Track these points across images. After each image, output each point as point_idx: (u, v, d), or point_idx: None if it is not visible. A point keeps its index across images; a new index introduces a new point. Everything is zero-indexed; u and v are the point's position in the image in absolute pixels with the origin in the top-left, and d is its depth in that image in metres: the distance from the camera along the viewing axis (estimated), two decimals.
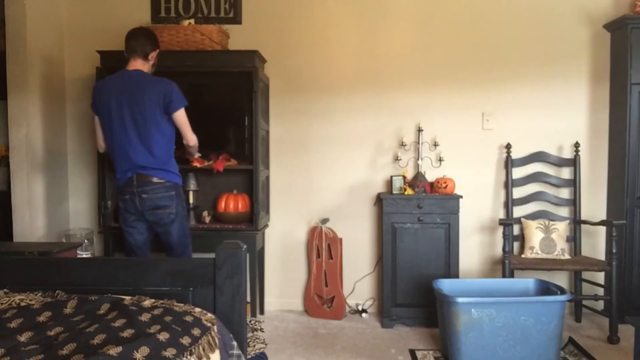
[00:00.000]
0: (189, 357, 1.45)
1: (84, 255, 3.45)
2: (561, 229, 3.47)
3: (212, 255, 1.77)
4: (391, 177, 3.59)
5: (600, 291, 3.51)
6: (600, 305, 3.60)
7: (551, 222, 3.49)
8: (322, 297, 3.72)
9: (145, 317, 1.54)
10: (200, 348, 1.50)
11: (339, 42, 3.79)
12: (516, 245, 3.64)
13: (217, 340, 1.59)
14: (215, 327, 1.62)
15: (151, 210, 2.85)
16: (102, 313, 1.60)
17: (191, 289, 1.79)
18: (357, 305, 3.81)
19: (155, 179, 2.83)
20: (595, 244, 3.72)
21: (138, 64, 2.89)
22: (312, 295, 3.75)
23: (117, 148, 2.86)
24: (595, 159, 3.73)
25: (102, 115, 2.89)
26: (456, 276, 3.44)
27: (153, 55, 2.95)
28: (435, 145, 3.69)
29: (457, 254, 3.46)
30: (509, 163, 3.67)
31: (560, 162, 3.69)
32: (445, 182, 3.52)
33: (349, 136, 3.81)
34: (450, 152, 3.72)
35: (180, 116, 2.85)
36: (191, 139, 2.94)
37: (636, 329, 2.19)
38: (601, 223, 3.43)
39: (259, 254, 3.66)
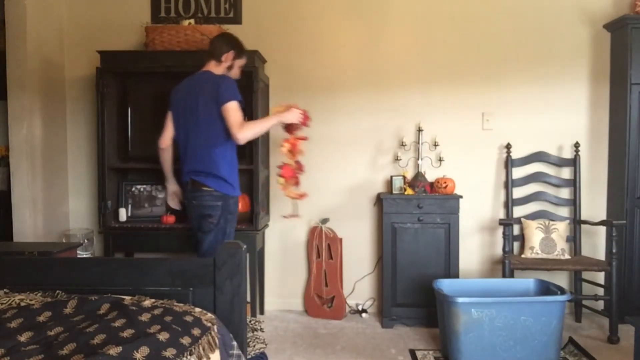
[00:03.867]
0: (189, 357, 1.45)
1: (84, 255, 3.45)
2: (561, 229, 3.47)
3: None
4: (391, 177, 3.59)
5: (600, 291, 3.51)
6: (600, 305, 3.60)
7: (551, 222, 3.49)
8: (322, 297, 3.72)
9: (145, 317, 1.54)
10: (200, 348, 1.50)
11: (339, 42, 3.79)
12: (516, 245, 3.64)
13: (217, 340, 1.59)
14: (215, 327, 1.62)
15: (197, 218, 2.87)
16: (102, 313, 1.60)
17: (191, 289, 1.79)
18: (357, 305, 3.81)
19: (204, 187, 2.79)
20: (595, 244, 3.72)
21: (210, 65, 2.91)
22: (312, 295, 3.75)
23: (180, 150, 2.93)
24: (595, 159, 3.73)
25: (172, 116, 2.96)
26: (456, 276, 3.44)
27: (228, 57, 2.90)
28: (435, 145, 3.69)
29: (457, 254, 3.46)
30: (509, 163, 3.67)
31: (560, 162, 3.69)
32: (445, 182, 3.52)
33: (349, 136, 3.81)
34: (450, 152, 3.73)
35: (226, 109, 2.72)
36: (237, 134, 2.71)
37: (636, 329, 2.19)
38: (601, 223, 3.43)
39: (259, 254, 3.66)
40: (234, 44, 2.94)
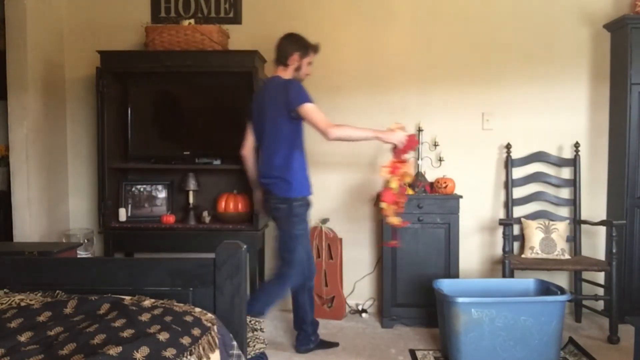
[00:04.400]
0: (189, 357, 1.45)
1: (84, 255, 3.45)
2: (561, 229, 3.47)
3: (212, 255, 1.77)
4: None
5: (600, 291, 3.51)
6: (600, 305, 3.60)
7: (551, 222, 3.49)
8: (322, 297, 3.72)
9: (145, 317, 1.54)
10: (200, 348, 1.50)
11: (339, 42, 3.79)
12: (516, 245, 3.64)
13: (217, 340, 1.59)
14: (215, 327, 1.62)
15: (273, 218, 2.98)
16: (102, 313, 1.60)
17: (191, 289, 1.79)
18: (357, 305, 3.81)
19: (273, 191, 2.85)
20: (595, 244, 3.72)
21: (278, 70, 2.93)
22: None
23: (259, 155, 2.99)
24: (595, 159, 3.73)
25: (251, 124, 3.02)
26: (456, 276, 3.44)
27: (293, 59, 2.89)
28: (435, 145, 3.70)
29: (457, 254, 3.46)
30: (509, 163, 3.67)
31: (560, 162, 3.69)
32: (445, 182, 3.52)
33: None
34: (450, 152, 3.72)
35: (304, 113, 2.74)
36: (325, 131, 2.72)
37: (636, 329, 2.19)
38: (601, 223, 3.43)
39: (259, 254, 3.66)
40: (298, 45, 2.91)
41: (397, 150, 2.82)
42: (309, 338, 3.05)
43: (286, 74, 2.90)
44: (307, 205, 2.90)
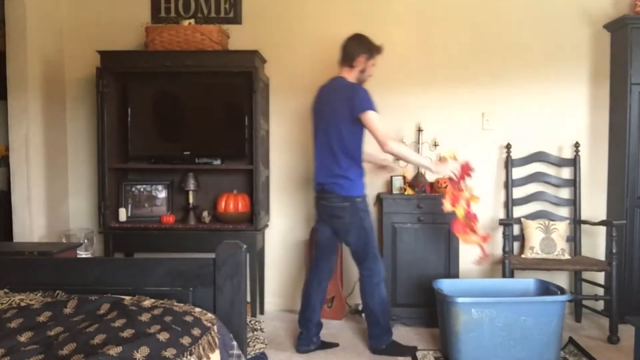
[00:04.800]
0: (189, 357, 1.45)
1: (84, 255, 3.45)
2: (561, 229, 3.47)
3: (212, 255, 1.77)
4: (391, 177, 3.58)
5: (600, 291, 3.51)
6: (600, 305, 3.60)
7: (551, 222, 3.49)
8: None
9: (145, 317, 1.54)
10: (200, 348, 1.50)
11: (339, 42, 3.77)
12: (516, 245, 3.64)
13: (217, 340, 1.59)
14: (215, 327, 1.62)
15: (329, 218, 2.98)
16: (102, 313, 1.60)
17: (191, 289, 1.79)
18: (357, 305, 3.80)
19: (329, 188, 2.90)
20: (595, 244, 3.72)
21: (342, 71, 2.96)
22: None
23: (314, 153, 3.02)
24: (595, 159, 3.73)
25: (312, 123, 3.05)
26: (456, 276, 3.44)
27: (359, 60, 2.91)
28: (435, 145, 3.69)
29: (457, 254, 3.46)
30: (509, 163, 3.67)
31: (560, 162, 3.69)
32: (445, 182, 3.51)
33: None
34: None
35: (366, 120, 2.81)
36: (383, 142, 2.80)
37: (636, 329, 2.19)
38: (601, 223, 3.43)
39: (259, 254, 3.66)
40: (365, 47, 2.93)
41: (453, 181, 2.90)
42: (310, 339, 3.06)
43: (351, 75, 2.94)
44: (366, 201, 2.97)
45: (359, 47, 2.92)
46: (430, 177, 3.66)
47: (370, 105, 2.81)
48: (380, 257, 3.01)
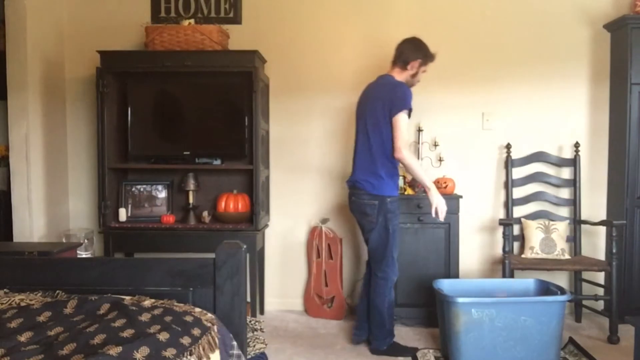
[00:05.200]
0: (189, 357, 1.44)
1: (84, 255, 3.45)
2: (561, 229, 3.47)
3: (212, 255, 1.77)
4: None
5: (600, 291, 3.51)
6: (600, 305, 3.60)
7: (551, 222, 3.49)
8: (322, 297, 3.72)
9: (145, 317, 1.54)
10: (200, 348, 1.50)
11: (339, 42, 3.79)
12: (516, 245, 3.64)
13: (217, 340, 1.59)
14: (215, 327, 1.62)
15: (358, 214, 3.03)
16: (102, 313, 1.60)
17: (191, 289, 1.79)
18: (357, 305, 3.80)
19: (360, 185, 2.95)
20: (595, 244, 3.72)
21: (393, 70, 3.00)
22: (312, 295, 3.75)
23: (354, 150, 3.08)
24: (595, 159, 3.73)
25: (355, 117, 3.10)
26: (456, 276, 3.44)
27: (414, 64, 2.96)
28: (435, 145, 3.69)
29: (457, 254, 3.46)
30: (509, 163, 3.67)
31: (560, 162, 3.69)
32: (445, 182, 3.52)
33: (349, 136, 3.80)
34: (450, 152, 3.72)
35: (395, 120, 2.83)
36: (398, 147, 2.83)
37: (636, 329, 2.19)
38: (601, 223, 3.43)
39: (259, 254, 3.66)
40: (422, 52, 2.97)
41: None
42: (364, 332, 3.13)
43: (401, 76, 2.98)
44: (398, 202, 3.01)
45: (415, 52, 2.96)
46: (430, 177, 3.65)
47: (407, 105, 2.85)
48: (396, 263, 3.02)
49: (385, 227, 2.93)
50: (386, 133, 2.89)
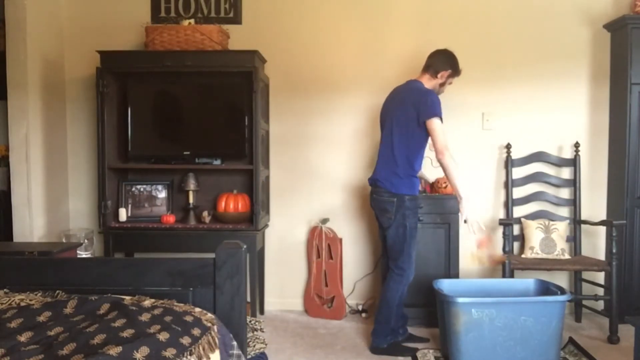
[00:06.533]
0: (189, 357, 1.44)
1: (84, 255, 3.45)
2: (561, 229, 3.47)
3: (212, 255, 1.77)
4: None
5: (600, 291, 3.51)
6: (600, 305, 3.60)
7: (551, 222, 3.49)
8: (322, 297, 3.72)
9: (145, 317, 1.54)
10: (200, 348, 1.50)
11: (339, 42, 3.79)
12: (516, 245, 3.64)
13: (217, 340, 1.59)
14: (215, 327, 1.62)
15: (378, 211, 3.08)
16: (102, 313, 1.60)
17: (191, 289, 1.79)
18: (357, 305, 3.80)
19: (380, 184, 3.02)
20: (595, 244, 3.72)
21: (423, 77, 3.09)
22: (312, 295, 3.75)
23: (379, 150, 3.13)
24: (595, 159, 3.73)
25: (380, 118, 3.18)
26: (456, 276, 3.44)
27: (443, 74, 3.05)
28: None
29: (457, 254, 3.46)
30: (509, 163, 3.67)
31: (560, 162, 3.69)
32: (445, 182, 3.51)
33: (349, 136, 3.81)
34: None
35: (431, 126, 2.89)
36: (441, 151, 2.87)
37: (636, 329, 2.19)
38: (601, 223, 3.43)
39: (259, 254, 3.66)
40: (453, 64, 3.08)
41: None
42: (397, 331, 3.14)
43: (429, 83, 3.05)
44: (416, 201, 3.04)
45: (447, 63, 3.06)
46: (430, 177, 3.65)
47: (438, 112, 2.90)
48: (413, 261, 3.04)
49: (402, 224, 2.98)
50: (410, 137, 2.96)
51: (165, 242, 3.46)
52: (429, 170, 3.69)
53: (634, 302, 3.47)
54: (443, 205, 3.45)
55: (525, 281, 3.12)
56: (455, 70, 3.09)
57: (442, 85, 3.09)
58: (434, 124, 2.88)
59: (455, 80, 3.70)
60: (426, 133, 2.94)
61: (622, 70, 3.50)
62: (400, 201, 2.96)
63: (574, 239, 3.60)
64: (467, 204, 2.90)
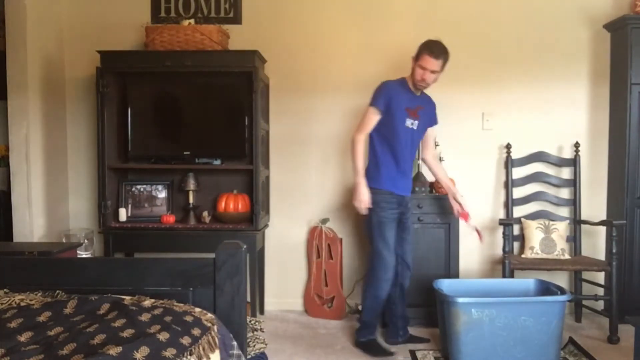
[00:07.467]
0: (189, 357, 1.44)
1: (84, 255, 3.45)
2: (561, 229, 3.47)
3: (212, 255, 1.77)
4: None
5: (600, 291, 3.51)
6: (600, 305, 3.60)
7: (551, 222, 3.49)
8: (322, 297, 3.72)
9: (145, 317, 1.54)
10: (200, 348, 1.50)
11: (339, 42, 3.79)
12: (516, 245, 3.64)
13: (217, 340, 1.59)
14: (215, 327, 1.62)
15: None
16: (102, 313, 1.60)
17: (191, 289, 1.78)
18: (357, 305, 3.80)
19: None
20: (595, 244, 3.72)
21: None
22: (312, 295, 3.75)
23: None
24: (595, 159, 3.73)
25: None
26: (456, 276, 3.44)
27: (415, 58, 3.06)
28: (435, 145, 3.68)
29: (457, 254, 3.46)
30: (509, 163, 3.67)
31: (560, 162, 3.69)
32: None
33: (349, 136, 3.79)
34: (450, 152, 3.72)
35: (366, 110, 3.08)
36: (355, 131, 3.10)
37: (636, 329, 2.19)
38: (601, 223, 3.43)
39: (259, 254, 3.66)
40: (422, 46, 3.03)
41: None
42: (397, 332, 3.16)
43: (411, 72, 3.09)
44: (389, 196, 3.05)
45: (420, 47, 3.04)
46: (430, 177, 3.66)
47: (373, 102, 3.04)
48: (385, 258, 3.03)
49: (369, 218, 3.06)
50: (376, 135, 3.08)
51: (165, 242, 3.46)
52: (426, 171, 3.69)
53: (634, 302, 3.47)
54: (443, 205, 3.45)
55: (525, 281, 3.13)
56: (418, 52, 3.02)
57: (415, 68, 3.04)
58: (367, 108, 3.05)
59: (455, 80, 3.73)
60: (385, 121, 3.03)
61: (622, 70, 3.50)
62: (373, 197, 3.03)
63: (574, 239, 3.60)
64: (362, 181, 3.02)
